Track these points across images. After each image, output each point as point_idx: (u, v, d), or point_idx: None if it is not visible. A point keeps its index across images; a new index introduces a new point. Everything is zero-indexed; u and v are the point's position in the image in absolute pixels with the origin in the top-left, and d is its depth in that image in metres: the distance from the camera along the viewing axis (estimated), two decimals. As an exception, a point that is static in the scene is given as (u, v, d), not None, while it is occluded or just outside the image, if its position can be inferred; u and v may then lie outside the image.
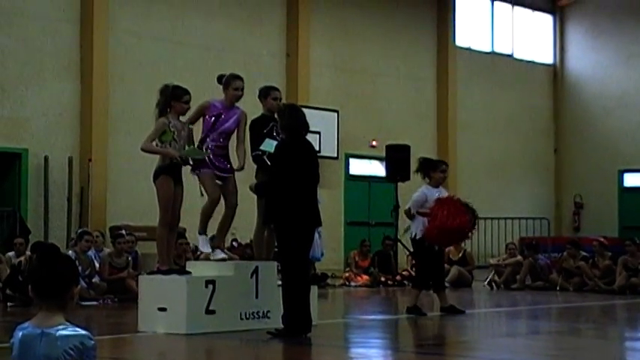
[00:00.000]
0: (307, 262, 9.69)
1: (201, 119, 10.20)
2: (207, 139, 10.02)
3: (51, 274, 3.77)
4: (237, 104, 10.24)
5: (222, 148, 10.08)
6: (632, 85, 28.84)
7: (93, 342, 3.76)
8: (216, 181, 10.03)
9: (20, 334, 3.80)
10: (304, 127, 9.44)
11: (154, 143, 9.76)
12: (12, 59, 18.52)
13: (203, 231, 10.31)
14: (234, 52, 21.17)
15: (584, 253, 18.36)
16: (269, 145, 9.95)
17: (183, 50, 20.62)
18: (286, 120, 9.41)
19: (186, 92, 9.93)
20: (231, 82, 10.15)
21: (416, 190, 12.18)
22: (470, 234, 11.79)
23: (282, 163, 9.22)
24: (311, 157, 9.43)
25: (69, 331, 3.76)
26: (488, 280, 18.78)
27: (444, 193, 11.77)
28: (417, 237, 11.67)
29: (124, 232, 15.68)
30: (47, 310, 3.79)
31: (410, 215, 11.82)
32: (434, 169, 11.89)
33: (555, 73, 30.36)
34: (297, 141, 9.33)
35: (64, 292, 3.80)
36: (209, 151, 9.98)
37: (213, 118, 10.01)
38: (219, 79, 10.28)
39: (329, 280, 19.08)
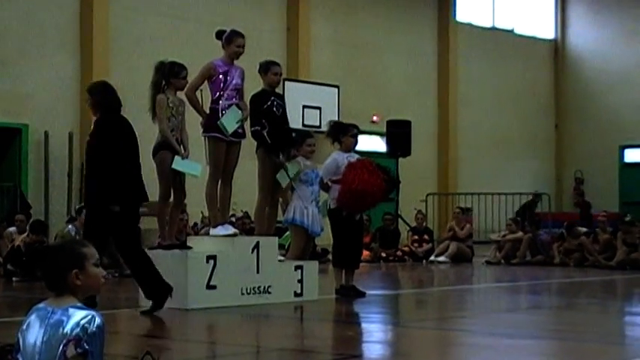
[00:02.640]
0: (138, 237, 9.71)
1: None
2: (221, 99, 9.94)
3: (45, 267, 3.90)
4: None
5: (236, 106, 10.01)
6: (633, 61, 28.77)
7: (100, 321, 3.80)
8: (221, 143, 9.94)
9: (33, 312, 3.89)
10: (118, 104, 9.44)
11: (165, 119, 9.70)
12: (12, 34, 18.47)
13: (223, 220, 10.18)
14: (235, 26, 21.04)
15: (583, 230, 18.36)
16: (231, 117, 9.87)
17: (184, 25, 20.56)
18: (99, 97, 9.37)
19: (184, 68, 9.90)
20: (233, 39, 10.07)
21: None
22: (383, 196, 11.01)
23: (102, 141, 9.19)
24: (130, 133, 9.41)
25: (78, 310, 3.81)
26: (488, 258, 18.78)
27: (355, 158, 10.85)
28: (333, 207, 10.77)
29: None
30: (55, 295, 3.88)
31: (324, 186, 10.93)
32: (344, 133, 10.93)
33: (557, 48, 30.28)
34: (114, 118, 9.28)
35: (62, 279, 3.87)
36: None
37: (221, 76, 9.96)
38: (219, 35, 10.20)
39: (329, 256, 19.07)
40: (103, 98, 9.36)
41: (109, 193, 9.12)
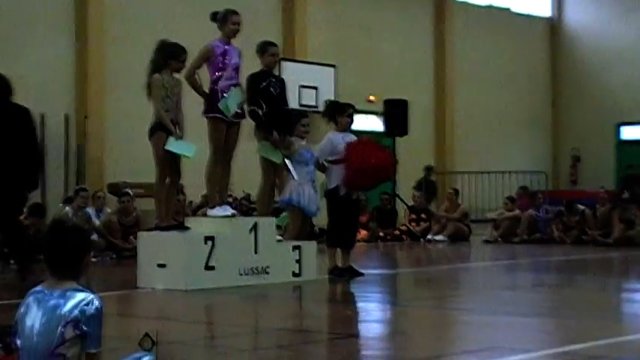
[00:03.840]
0: (17, 219, 10.46)
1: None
2: (221, 80, 9.91)
3: (64, 249, 3.84)
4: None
5: (235, 86, 9.99)
6: (630, 39, 28.70)
7: (98, 303, 3.81)
8: (222, 124, 9.93)
9: (31, 294, 3.89)
10: (7, 90, 9.79)
11: (160, 100, 9.68)
12: (5, 16, 18.37)
13: (221, 201, 10.19)
14: (231, 7, 20.98)
15: (581, 207, 18.36)
16: (233, 99, 9.88)
17: (180, 6, 20.46)
18: None
19: (184, 51, 9.92)
20: (229, 17, 10.07)
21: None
22: (393, 170, 10.92)
23: None
24: (18, 118, 9.94)
25: (77, 292, 3.82)
26: (486, 237, 18.77)
27: (351, 137, 10.74)
28: (330, 187, 10.67)
29: (130, 191, 15.62)
30: (59, 278, 3.86)
31: (320, 166, 10.83)
32: (341, 113, 10.81)
33: (553, 26, 30.21)
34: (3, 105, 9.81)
35: (78, 263, 3.88)
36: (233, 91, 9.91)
37: (220, 56, 9.94)
38: (214, 16, 10.18)
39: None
40: None
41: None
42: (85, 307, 3.79)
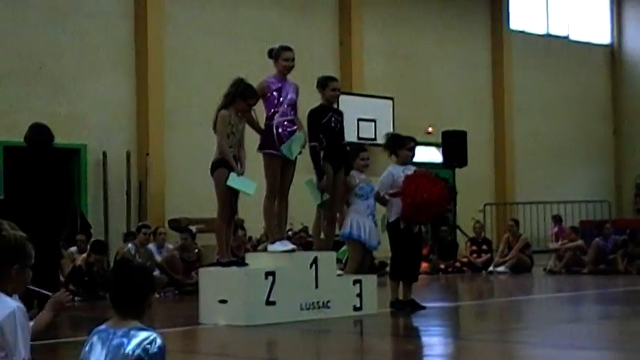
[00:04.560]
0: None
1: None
2: (276, 116, 10.00)
3: (129, 288, 3.87)
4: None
5: (291, 122, 10.05)
6: (691, 63, 28.32)
7: (161, 342, 3.82)
8: (277, 159, 10.00)
9: (95, 333, 3.92)
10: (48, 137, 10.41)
11: (224, 136, 9.76)
12: (68, 55, 18.72)
13: (281, 236, 10.25)
14: (287, 42, 21.09)
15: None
16: (296, 143, 9.97)
17: (237, 43, 20.68)
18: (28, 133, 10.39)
19: (255, 95, 9.91)
20: (280, 54, 10.15)
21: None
22: (447, 204, 10.90)
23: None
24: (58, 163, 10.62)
25: (140, 331, 3.84)
26: (548, 267, 18.53)
27: (411, 170, 10.74)
28: (391, 220, 10.68)
29: (193, 228, 15.74)
30: (123, 317, 3.89)
31: (380, 199, 10.81)
32: (401, 146, 10.83)
33: (613, 53, 29.92)
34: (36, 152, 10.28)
35: (142, 302, 3.92)
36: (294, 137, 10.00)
37: (275, 92, 10.01)
38: (270, 53, 10.28)
39: (387, 269, 18.99)
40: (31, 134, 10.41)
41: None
42: (148, 346, 3.81)
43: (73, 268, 13.96)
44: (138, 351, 3.79)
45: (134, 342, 3.80)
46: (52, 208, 10.13)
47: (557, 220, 21.60)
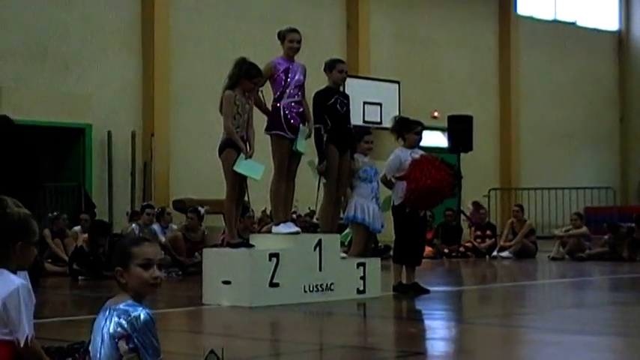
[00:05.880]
0: None
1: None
2: (283, 97, 9.98)
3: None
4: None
5: (298, 103, 10.04)
6: (699, 51, 28.23)
7: (145, 316, 3.88)
8: (285, 141, 9.99)
9: (100, 310, 4.04)
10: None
11: (231, 117, 9.72)
12: (74, 36, 18.71)
13: (285, 218, 10.23)
14: (294, 24, 21.06)
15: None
16: (301, 138, 9.95)
17: (243, 25, 20.64)
18: None
19: (259, 73, 9.86)
20: (286, 36, 10.14)
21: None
22: (450, 191, 10.91)
23: None
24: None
25: (128, 307, 3.92)
26: (552, 255, 18.50)
27: (418, 154, 10.71)
28: (396, 203, 10.64)
29: (200, 208, 15.72)
30: (120, 292, 4.01)
31: (387, 182, 10.78)
32: (408, 130, 10.79)
33: (620, 40, 29.82)
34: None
35: (115, 279, 4.05)
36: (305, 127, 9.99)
37: (282, 74, 10.00)
38: (279, 35, 10.28)
39: (391, 253, 18.97)
40: None
41: None
42: (135, 322, 3.87)
43: (76, 247, 13.98)
44: (126, 326, 3.91)
45: (122, 318, 3.89)
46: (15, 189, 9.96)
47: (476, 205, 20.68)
